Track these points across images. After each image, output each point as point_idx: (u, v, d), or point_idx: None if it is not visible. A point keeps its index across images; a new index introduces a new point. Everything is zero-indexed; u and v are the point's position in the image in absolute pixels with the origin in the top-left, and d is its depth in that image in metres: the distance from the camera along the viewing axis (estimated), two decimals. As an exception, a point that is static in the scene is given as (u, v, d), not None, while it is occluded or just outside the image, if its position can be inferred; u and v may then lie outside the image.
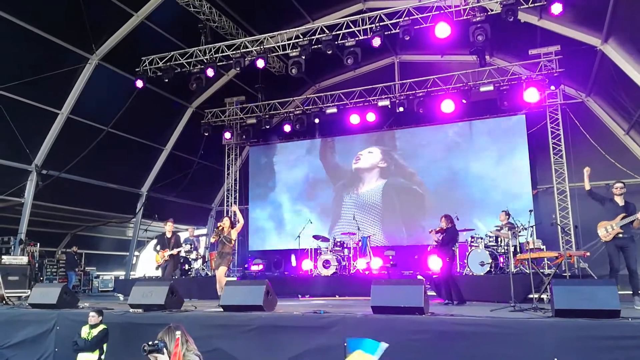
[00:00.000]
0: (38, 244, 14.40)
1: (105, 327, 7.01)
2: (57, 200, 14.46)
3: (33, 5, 11.50)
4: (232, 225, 9.28)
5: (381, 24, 11.78)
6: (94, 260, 18.20)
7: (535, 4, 10.64)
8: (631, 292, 7.59)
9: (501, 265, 10.88)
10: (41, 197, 13.69)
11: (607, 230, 7.68)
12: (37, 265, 14.32)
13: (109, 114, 14.29)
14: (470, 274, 10.76)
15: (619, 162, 13.74)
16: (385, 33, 11.74)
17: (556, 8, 10.32)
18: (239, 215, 9.59)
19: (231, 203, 17.92)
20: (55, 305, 8.25)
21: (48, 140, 13.40)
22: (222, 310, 7.39)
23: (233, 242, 9.21)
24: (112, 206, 16.28)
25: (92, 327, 6.95)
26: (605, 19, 10.88)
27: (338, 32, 12.18)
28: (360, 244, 13.55)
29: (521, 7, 10.64)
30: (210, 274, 14.15)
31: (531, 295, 8.25)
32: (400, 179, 16.14)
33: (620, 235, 7.58)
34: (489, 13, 10.90)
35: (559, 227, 12.81)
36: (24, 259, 12.91)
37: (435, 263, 11.95)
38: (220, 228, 9.19)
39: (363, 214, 15.75)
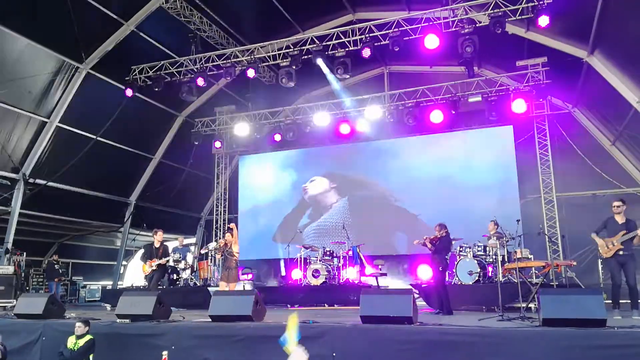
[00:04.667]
0: (24, 254, 14.24)
1: (92, 337, 6.94)
2: (45, 210, 14.35)
3: (23, 14, 11.46)
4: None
5: (371, 34, 11.90)
6: (81, 269, 18.02)
7: (523, 17, 10.78)
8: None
9: (489, 274, 10.94)
10: (28, 206, 13.57)
11: (608, 247, 7.81)
12: (23, 274, 14.16)
13: (98, 123, 14.20)
14: (459, 283, 10.80)
15: (606, 172, 13.91)
16: (375, 44, 11.85)
17: (543, 20, 10.47)
18: (234, 231, 10.38)
19: (221, 212, 17.87)
20: (41, 316, 8.14)
21: (36, 149, 13.31)
22: (210, 320, 7.36)
23: (236, 255, 10.05)
24: (100, 215, 16.16)
25: (79, 337, 6.88)
26: (591, 32, 11.06)
27: (328, 43, 12.27)
28: (350, 253, 13.54)
29: (509, 19, 10.79)
30: (198, 284, 14.09)
31: (518, 305, 8.30)
32: (390, 188, 16.18)
33: (621, 252, 7.71)
34: (477, 25, 11.03)
35: (547, 236, 12.92)
36: (10, 269, 12.77)
37: (424, 272, 12.01)
38: (222, 244, 10.09)
39: (352, 222, 15.74)
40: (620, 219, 7.94)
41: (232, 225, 10.79)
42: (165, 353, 5.21)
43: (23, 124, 12.84)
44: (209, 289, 12.32)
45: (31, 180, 13.38)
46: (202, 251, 15.20)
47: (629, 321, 6.73)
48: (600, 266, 12.14)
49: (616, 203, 8.09)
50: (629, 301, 7.82)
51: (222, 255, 10.23)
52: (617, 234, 7.79)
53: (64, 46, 12.57)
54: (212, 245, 13.99)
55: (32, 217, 14.11)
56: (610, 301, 7.73)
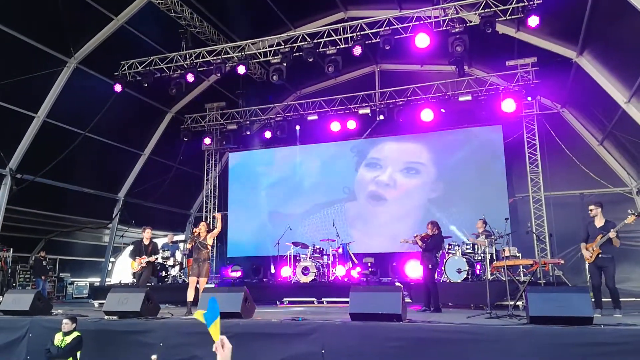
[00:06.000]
0: (11, 250, 14.10)
1: (79, 334, 6.90)
2: (32, 205, 14.18)
3: (10, 7, 11.32)
4: (209, 230, 9.25)
5: (362, 33, 11.90)
6: (69, 266, 17.87)
7: (513, 17, 10.83)
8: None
9: (478, 272, 11.01)
10: (15, 202, 13.41)
11: (589, 252, 7.92)
12: (9, 271, 14.02)
13: (86, 118, 14.08)
14: (448, 280, 10.86)
15: (593, 172, 14.04)
16: (366, 42, 11.86)
17: (533, 21, 10.53)
18: (218, 223, 9.52)
19: (211, 209, 17.83)
20: (27, 312, 8.09)
21: (23, 143, 13.15)
22: (199, 317, 7.32)
23: (209, 247, 9.19)
24: (88, 211, 16.03)
25: (66, 334, 6.83)
26: (580, 32, 11.15)
27: (319, 40, 12.25)
28: (339, 250, 13.57)
29: (499, 19, 10.83)
30: (187, 281, 14.01)
31: (506, 302, 8.37)
32: (379, 187, 16.21)
33: (600, 255, 7.83)
34: (467, 24, 11.07)
35: (535, 235, 13.02)
36: (-4, 265, 12.66)
37: (413, 270, 12.06)
38: (196, 233, 9.17)
39: (342, 220, 15.76)
40: (598, 222, 8.06)
41: (218, 215, 10.15)
42: (154, 357, 5.22)
43: (10, 118, 12.68)
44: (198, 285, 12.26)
45: (18, 176, 13.23)
46: (180, 244, 14.85)
47: (614, 319, 6.81)
48: (587, 265, 12.26)
49: (590, 207, 8.23)
50: (610, 300, 7.92)
51: (193, 246, 9.24)
52: (595, 239, 7.91)
53: (52, 40, 12.43)
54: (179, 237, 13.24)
55: (19, 212, 13.94)
56: (593, 300, 7.82)
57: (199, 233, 9.12)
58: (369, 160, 16.55)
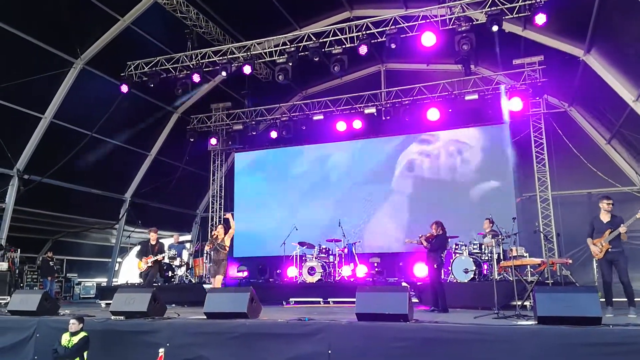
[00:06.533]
0: (19, 250, 14.17)
1: (86, 334, 6.90)
2: (39, 206, 14.27)
3: (17, 8, 11.38)
4: (226, 232, 9.79)
5: (368, 32, 11.87)
6: (76, 266, 17.93)
7: (520, 15, 10.79)
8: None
9: (485, 272, 10.95)
10: (23, 202, 13.48)
11: (598, 247, 7.85)
12: (17, 271, 14.08)
13: (93, 119, 14.15)
14: (454, 281, 10.81)
15: (601, 170, 13.93)
16: (372, 41, 11.83)
17: (540, 19, 10.46)
18: (232, 222, 9.91)
19: (217, 210, 17.86)
20: (35, 312, 8.10)
21: (30, 144, 13.23)
22: (205, 317, 7.33)
23: (227, 248, 9.73)
24: (94, 212, 16.10)
25: (73, 334, 6.84)
26: (587, 30, 11.07)
27: (325, 40, 12.24)
28: (345, 250, 13.54)
29: (506, 17, 10.78)
30: (194, 281, 14.05)
31: (514, 303, 8.31)
32: (387, 186, 16.17)
33: (610, 249, 7.75)
34: (474, 23, 11.03)
35: (542, 234, 12.93)
36: (4, 265, 12.70)
37: (420, 270, 12.02)
38: (214, 236, 9.73)
39: (348, 220, 15.71)
40: (605, 218, 7.97)
41: (229, 215, 10.47)
42: (161, 351, 5.20)
43: (17, 119, 12.75)
44: (204, 286, 12.29)
45: (25, 177, 13.30)
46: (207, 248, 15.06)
47: (623, 319, 6.75)
48: (594, 264, 12.18)
49: (608, 201, 8.03)
50: (624, 299, 7.83)
51: (212, 248, 9.81)
52: (603, 234, 7.83)
53: (59, 41, 12.49)
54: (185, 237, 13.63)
55: (27, 213, 14.02)
56: (603, 299, 7.75)
57: (217, 235, 9.67)
58: (375, 159, 16.43)
